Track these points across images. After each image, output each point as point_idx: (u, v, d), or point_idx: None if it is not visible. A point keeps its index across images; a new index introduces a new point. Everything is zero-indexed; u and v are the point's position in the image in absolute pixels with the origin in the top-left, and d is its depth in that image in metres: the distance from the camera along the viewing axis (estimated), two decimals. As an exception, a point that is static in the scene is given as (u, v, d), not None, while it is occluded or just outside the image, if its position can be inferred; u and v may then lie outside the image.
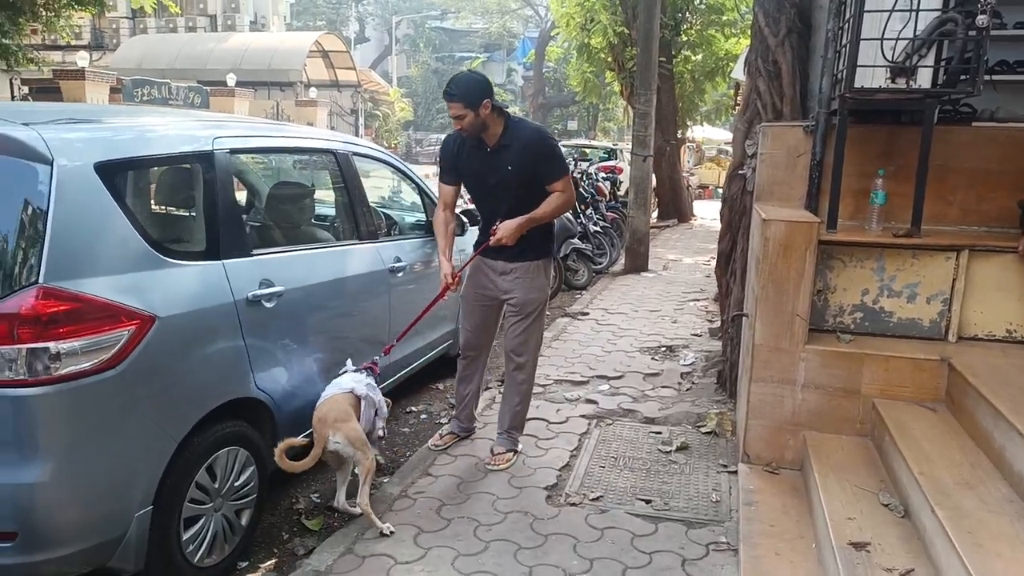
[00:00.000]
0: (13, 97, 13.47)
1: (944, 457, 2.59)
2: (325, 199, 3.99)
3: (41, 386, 2.03)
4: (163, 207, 3.07)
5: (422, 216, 4.57)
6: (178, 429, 2.42)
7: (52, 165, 2.12)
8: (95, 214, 2.22)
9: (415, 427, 4.15)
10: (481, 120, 3.20)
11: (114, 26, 27.55)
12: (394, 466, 3.60)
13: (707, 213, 15.38)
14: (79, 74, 13.85)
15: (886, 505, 2.61)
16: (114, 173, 2.31)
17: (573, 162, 12.02)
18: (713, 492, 3.24)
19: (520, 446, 3.63)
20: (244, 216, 3.92)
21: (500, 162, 3.29)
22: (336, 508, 3.12)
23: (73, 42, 25.75)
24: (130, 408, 2.25)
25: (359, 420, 2.98)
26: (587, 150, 16.22)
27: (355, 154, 3.81)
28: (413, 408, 4.40)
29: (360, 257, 3.60)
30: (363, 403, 3.06)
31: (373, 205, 4.59)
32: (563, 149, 14.90)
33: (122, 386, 2.21)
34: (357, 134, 27.48)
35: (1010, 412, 2.46)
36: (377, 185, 5.13)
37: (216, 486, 2.61)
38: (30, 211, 2.09)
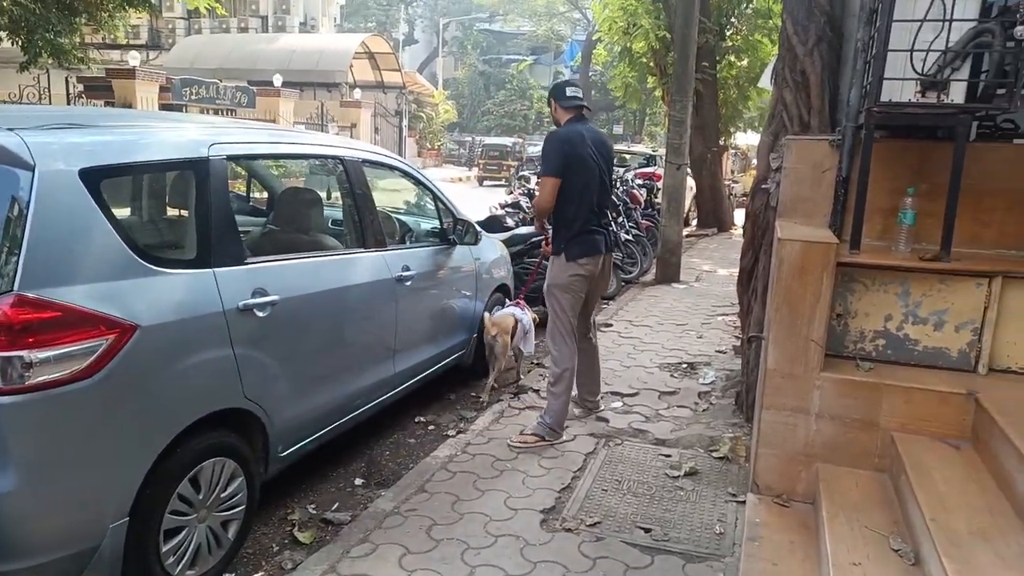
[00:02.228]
0: (68, 94, 13.91)
1: (962, 502, 2.40)
2: (334, 206, 3.96)
3: (14, 395, 2.02)
4: (154, 214, 3.07)
5: (437, 224, 4.51)
6: (158, 440, 2.39)
7: (34, 171, 2.11)
8: (77, 221, 2.21)
9: (421, 438, 4.08)
10: (553, 117, 4.00)
11: (170, 26, 28.37)
12: (393, 478, 3.54)
13: (748, 222, 15.00)
14: (130, 73, 14.20)
15: (896, 551, 2.43)
16: (100, 179, 2.29)
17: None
18: (718, 523, 3.09)
19: (553, 436, 3.86)
20: (252, 221, 3.98)
21: None
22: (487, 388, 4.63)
23: (132, 42, 26.75)
24: (107, 418, 2.23)
25: (512, 336, 4.60)
26: (626, 156, 16.01)
27: (365, 161, 3.76)
28: (421, 418, 4.34)
29: (365, 265, 3.55)
30: (519, 325, 4.68)
31: (388, 212, 4.57)
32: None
33: (99, 396, 2.18)
34: (401, 135, 27.70)
35: (1036, 459, 2.26)
36: (393, 192, 5.10)
37: (200, 497, 2.58)
38: (9, 217, 2.08)
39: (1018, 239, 3.35)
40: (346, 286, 3.37)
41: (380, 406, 3.82)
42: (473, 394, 4.74)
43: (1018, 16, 2.68)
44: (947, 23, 2.81)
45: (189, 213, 2.68)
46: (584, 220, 3.80)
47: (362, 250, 3.60)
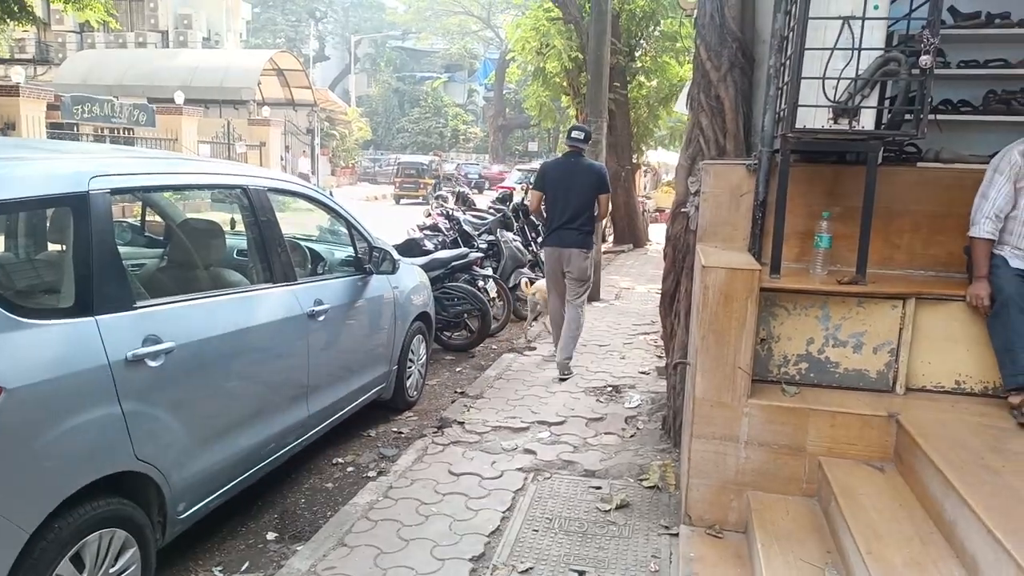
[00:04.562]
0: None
1: (894, 531, 2.39)
2: (238, 240, 3.69)
3: None
4: (25, 258, 2.74)
5: (351, 252, 4.29)
6: (30, 518, 2.08)
7: None
8: (-77, 272, 1.90)
9: (339, 482, 3.83)
10: None
11: (60, 40, 26.72)
12: (309, 530, 3.28)
13: (663, 238, 15.32)
14: (13, 90, 13.18)
15: (832, 583, 2.39)
16: (-47, 222, 1.99)
17: (525, 187, 11.87)
18: (652, 560, 3.00)
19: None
20: (147, 254, 3.65)
21: None
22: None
23: (17, 56, 25.00)
24: (-36, 498, 1.92)
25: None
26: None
27: (271, 189, 3.52)
28: (339, 459, 4.08)
29: (273, 302, 3.31)
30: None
31: (298, 242, 4.32)
32: (518, 172, 14.98)
33: (-46, 473, 1.88)
34: (313, 153, 27.02)
35: (961, 484, 2.27)
36: (305, 216, 4.84)
37: (84, 576, 2.27)
38: None
39: (926, 259, 3.46)
40: (252, 326, 3.11)
41: (294, 450, 3.57)
42: (395, 430, 4.53)
43: (922, 44, 2.75)
44: (856, 51, 2.85)
45: (66, 255, 2.39)
46: (554, 222, 5.46)
47: (270, 285, 3.35)
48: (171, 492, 2.63)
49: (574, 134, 5.57)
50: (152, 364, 2.51)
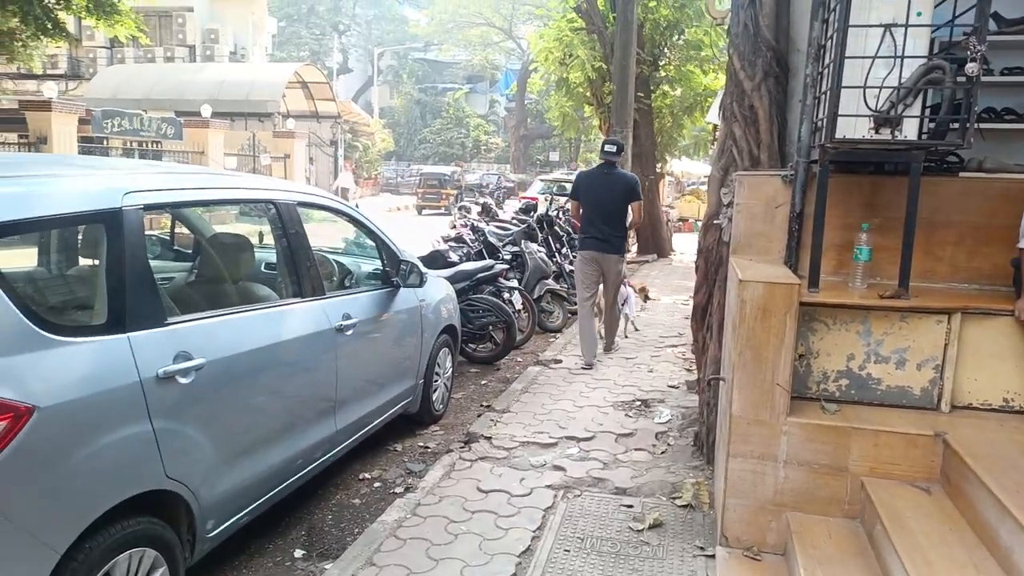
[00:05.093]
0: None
1: (944, 557, 2.29)
2: (266, 254, 3.68)
3: None
4: (58, 275, 2.74)
5: (378, 265, 4.27)
6: (62, 538, 2.06)
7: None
8: (-41, 290, 1.89)
9: (367, 498, 3.79)
10: None
11: (91, 55, 27.27)
12: (337, 547, 3.25)
13: (687, 248, 15.18)
14: (45, 105, 13.43)
15: (881, 612, 2.30)
16: (-11, 240, 1.98)
17: (549, 197, 11.84)
18: (689, 582, 2.91)
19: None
20: (176, 268, 3.66)
21: None
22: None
23: (49, 71, 25.54)
24: (-4, 519, 1.90)
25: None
26: (566, 184, 16.03)
27: (300, 203, 3.51)
28: (366, 474, 4.04)
29: (301, 317, 3.28)
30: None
31: (326, 255, 4.31)
32: (540, 183, 15.00)
33: (-14, 493, 1.86)
34: (336, 165, 27.24)
35: (1018, 509, 2.17)
36: (332, 229, 4.83)
37: (113, 596, 2.25)
38: None
39: (970, 272, 3.35)
40: (281, 341, 3.09)
41: (322, 466, 3.54)
42: (421, 444, 4.48)
43: (968, 52, 2.66)
44: (899, 59, 2.77)
45: (99, 271, 2.38)
46: (588, 229, 6.10)
47: (298, 299, 3.33)
48: (200, 510, 2.60)
49: (607, 147, 6.11)
50: (183, 381, 2.49)
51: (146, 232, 2.53)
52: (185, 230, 3.94)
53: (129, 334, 2.34)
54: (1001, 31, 3.45)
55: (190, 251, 4.05)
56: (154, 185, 2.65)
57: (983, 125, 3.41)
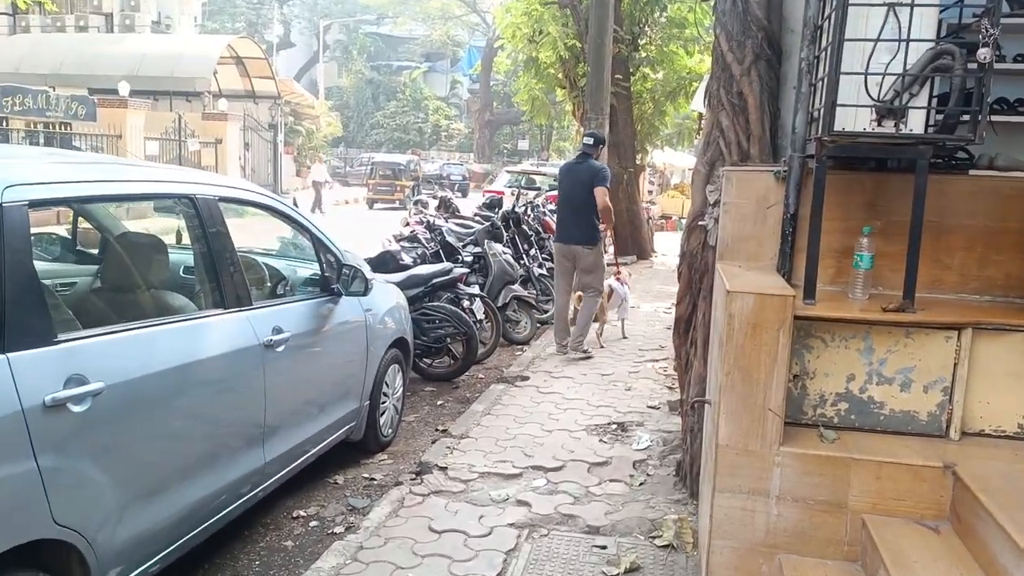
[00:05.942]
0: None
1: (956, 607, 2.27)
2: (185, 256, 3.56)
3: None
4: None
5: (318, 271, 4.16)
6: (-79, 601, 1.93)
7: None
8: None
9: (301, 539, 3.68)
10: None
11: (-11, 24, 26.53)
12: (265, 601, 3.13)
13: (669, 248, 15.28)
14: (-67, 80, 13.04)
15: (886, 671, 2.27)
16: None
17: (516, 191, 11.80)
18: (669, 636, 2.86)
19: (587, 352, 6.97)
20: (78, 272, 3.52)
21: None
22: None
23: (-60, 41, 24.79)
24: None
25: (608, 300, 7.37)
26: (536, 177, 16.02)
27: (223, 199, 3.39)
28: (301, 512, 3.93)
29: (224, 331, 3.18)
30: (615, 293, 7.54)
31: (254, 259, 4.20)
32: (506, 175, 14.99)
33: None
34: (276, 152, 26.89)
35: (1037, 552, 2.16)
36: (262, 232, 4.72)
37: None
38: None
39: (981, 282, 3.36)
40: (199, 360, 2.98)
41: (249, 503, 3.43)
42: (366, 476, 4.38)
43: (980, 37, 2.66)
44: (903, 43, 2.77)
45: (-29, 281, 2.24)
46: (560, 220, 7.05)
47: (221, 310, 3.22)
48: (98, 561, 2.47)
49: (584, 139, 7.09)
50: (76, 409, 2.37)
51: (41, 231, 2.41)
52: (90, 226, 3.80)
53: (8, 355, 2.21)
54: (1014, 13, 3.47)
55: (95, 252, 3.91)
56: (43, 177, 2.52)
57: (995, 118, 3.43)
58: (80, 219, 3.94)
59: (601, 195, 6.66)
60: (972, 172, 3.41)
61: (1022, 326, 2.94)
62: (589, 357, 6.90)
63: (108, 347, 2.59)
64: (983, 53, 2.66)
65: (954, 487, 2.75)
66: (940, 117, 3.02)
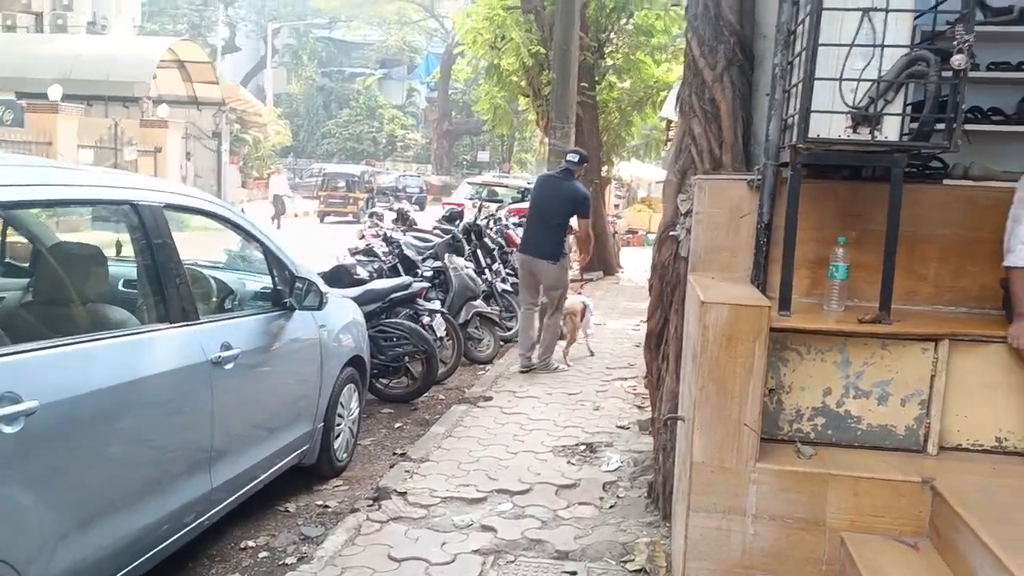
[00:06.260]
0: None
1: (938, 625, 2.32)
2: (125, 268, 3.51)
3: None
4: None
5: (269, 284, 4.12)
6: None
7: None
8: None
9: (250, 571, 3.61)
10: None
11: (-94, 21, 25.89)
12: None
13: (636, 263, 15.45)
14: None
15: None
16: None
17: (478, 204, 11.83)
18: (643, 665, 2.87)
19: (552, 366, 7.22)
20: (8, 286, 3.43)
21: None
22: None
23: None
24: None
25: (581, 318, 7.52)
26: (498, 189, 16.08)
27: (168, 206, 3.35)
28: (250, 543, 3.86)
29: (168, 347, 3.13)
30: (587, 309, 7.68)
31: (201, 271, 4.15)
32: (468, 187, 15.07)
33: None
34: (220, 162, 26.60)
35: (1018, 566, 2.21)
36: (210, 243, 4.67)
37: None
38: None
39: (956, 292, 3.46)
40: (141, 378, 2.93)
41: (194, 532, 3.36)
42: (319, 503, 4.33)
43: (954, 44, 2.76)
44: (878, 48, 2.86)
45: None
46: (526, 232, 7.21)
47: (165, 325, 3.17)
48: (34, 596, 2.41)
49: (569, 155, 7.29)
50: (7, 430, 2.31)
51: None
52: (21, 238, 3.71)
53: (-67, 371, 2.14)
54: (988, 21, 3.60)
55: (26, 265, 3.82)
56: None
57: (969, 126, 3.55)
58: (8, 229, 3.86)
59: (584, 226, 7.09)
60: (947, 182, 3.52)
61: (998, 337, 3.03)
62: (556, 370, 7.17)
63: (42, 363, 2.53)
64: (958, 60, 2.76)
65: (933, 502, 2.82)
66: (915, 125, 3.12)
